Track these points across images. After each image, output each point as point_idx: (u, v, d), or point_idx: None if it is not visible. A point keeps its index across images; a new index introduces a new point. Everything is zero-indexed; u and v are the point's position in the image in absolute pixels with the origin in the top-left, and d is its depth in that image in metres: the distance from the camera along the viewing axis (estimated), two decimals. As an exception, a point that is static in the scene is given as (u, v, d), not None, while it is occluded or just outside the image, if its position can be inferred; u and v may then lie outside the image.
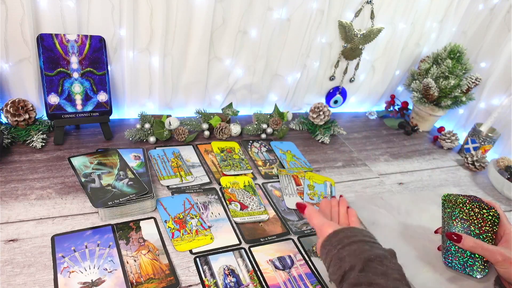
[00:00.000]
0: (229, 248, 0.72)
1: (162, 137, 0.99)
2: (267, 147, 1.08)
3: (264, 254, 0.72)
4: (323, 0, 1.07)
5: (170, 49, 1.00)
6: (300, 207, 0.68)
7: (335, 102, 1.37)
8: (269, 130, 1.13)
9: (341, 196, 0.77)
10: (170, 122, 0.99)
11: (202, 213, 0.79)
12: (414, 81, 1.32)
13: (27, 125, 0.90)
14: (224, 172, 0.92)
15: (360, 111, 1.47)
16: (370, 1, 1.15)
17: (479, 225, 0.68)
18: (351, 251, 0.53)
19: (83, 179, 0.75)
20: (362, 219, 0.86)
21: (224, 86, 1.15)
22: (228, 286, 0.64)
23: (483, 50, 1.31)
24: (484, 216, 0.68)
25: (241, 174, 0.93)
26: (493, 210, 0.68)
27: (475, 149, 1.22)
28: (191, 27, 0.99)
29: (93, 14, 0.88)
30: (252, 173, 0.96)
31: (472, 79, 1.22)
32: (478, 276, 0.68)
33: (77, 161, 0.80)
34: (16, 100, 0.87)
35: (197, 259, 0.68)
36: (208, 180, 0.89)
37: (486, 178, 1.16)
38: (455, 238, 0.67)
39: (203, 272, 0.66)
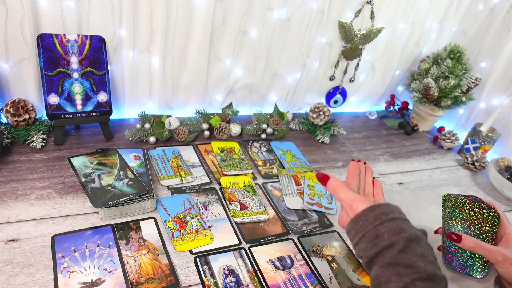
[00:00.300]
0: (229, 248, 0.72)
1: (162, 137, 0.99)
2: (267, 147, 1.08)
3: (264, 254, 0.72)
4: (323, 0, 1.07)
5: (170, 49, 1.00)
6: (322, 178, 0.61)
7: (335, 102, 1.37)
8: (269, 130, 1.13)
9: (365, 162, 0.72)
10: (170, 122, 0.99)
11: (202, 213, 0.79)
12: (414, 81, 1.32)
13: (27, 125, 0.90)
14: (224, 172, 0.92)
15: (360, 111, 1.47)
16: (370, 1, 1.15)
17: (479, 225, 0.68)
18: (390, 228, 0.51)
19: (83, 179, 0.75)
20: (362, 219, 0.86)
21: (224, 86, 1.15)
22: (228, 286, 0.64)
23: (483, 50, 1.31)
24: (484, 216, 0.68)
25: (241, 174, 0.93)
26: (493, 210, 0.68)
27: (475, 149, 1.22)
28: (191, 27, 0.99)
29: (93, 14, 0.88)
30: (252, 173, 0.96)
31: (472, 79, 1.22)
32: (478, 276, 0.68)
33: (77, 161, 0.80)
34: (16, 100, 0.87)
35: (197, 259, 0.68)
36: (208, 180, 0.89)
37: (486, 178, 1.16)
38: (455, 238, 0.67)
39: (203, 272, 0.66)
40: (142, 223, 0.73)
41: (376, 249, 0.50)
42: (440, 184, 1.09)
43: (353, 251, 0.55)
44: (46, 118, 0.90)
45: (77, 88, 0.89)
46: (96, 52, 0.89)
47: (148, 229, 0.72)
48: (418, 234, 0.51)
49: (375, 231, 0.51)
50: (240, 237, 0.75)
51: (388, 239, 0.50)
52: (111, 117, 0.96)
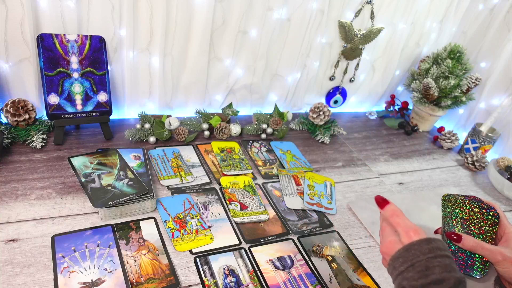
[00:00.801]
0: (229, 248, 0.72)
1: (162, 137, 0.99)
2: (267, 147, 1.08)
3: (264, 254, 0.72)
4: (323, 0, 1.07)
5: (170, 49, 1.00)
6: (380, 202, 0.61)
7: (335, 102, 1.37)
8: (269, 130, 1.13)
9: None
10: (170, 122, 0.99)
11: (202, 213, 0.79)
12: (414, 81, 1.32)
13: (27, 125, 0.90)
14: (224, 172, 0.92)
15: (360, 111, 1.47)
16: (370, 1, 1.15)
17: (479, 225, 0.68)
18: (442, 264, 0.50)
19: (83, 179, 0.75)
20: (362, 219, 0.86)
21: (224, 86, 1.15)
22: (228, 286, 0.64)
23: (483, 50, 1.31)
24: (484, 216, 0.68)
25: (241, 174, 0.93)
26: (493, 210, 0.68)
27: (475, 149, 1.22)
28: (191, 27, 0.99)
29: (93, 14, 0.88)
30: (252, 173, 0.96)
31: (472, 79, 1.22)
32: (478, 276, 0.68)
33: (77, 161, 0.80)
34: (16, 100, 0.87)
35: (197, 259, 0.68)
36: (208, 180, 0.89)
37: (486, 178, 1.16)
38: (455, 238, 0.67)
39: (203, 272, 0.66)
40: (142, 223, 0.73)
41: (424, 281, 0.49)
42: (440, 184, 1.09)
43: (393, 281, 0.53)
44: (46, 118, 0.90)
45: (77, 88, 0.89)
46: (96, 52, 0.89)
47: (148, 229, 0.72)
48: (465, 279, 0.51)
49: (427, 262, 0.50)
50: (240, 237, 0.75)
51: (439, 274, 0.48)
52: (111, 117, 0.96)
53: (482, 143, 1.21)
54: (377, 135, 1.31)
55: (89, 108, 0.92)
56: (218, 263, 0.68)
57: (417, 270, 0.50)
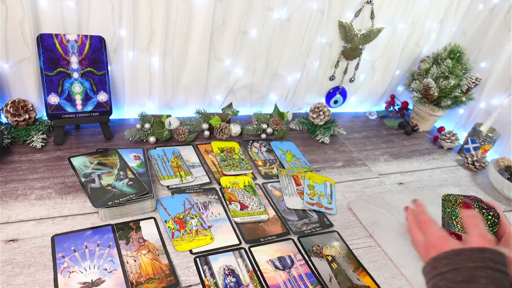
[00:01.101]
0: (229, 248, 0.72)
1: (162, 137, 0.99)
2: (267, 147, 1.08)
3: (264, 254, 0.72)
4: (323, 0, 1.07)
5: (170, 49, 1.00)
6: (465, 205, 0.62)
7: (335, 102, 1.37)
8: (269, 130, 1.13)
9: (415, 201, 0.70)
10: (170, 122, 0.99)
11: (202, 213, 0.79)
12: (414, 81, 1.32)
13: (27, 125, 0.90)
14: (224, 172, 0.92)
15: (360, 111, 1.47)
16: (370, 1, 1.15)
17: (479, 225, 0.68)
18: (490, 277, 0.47)
19: (83, 179, 0.75)
20: (362, 219, 0.86)
21: (224, 86, 1.15)
22: (228, 286, 0.64)
23: (483, 50, 1.31)
24: (484, 216, 0.68)
25: (241, 174, 0.93)
26: (493, 210, 0.68)
27: (475, 149, 1.22)
28: (191, 27, 0.99)
29: (93, 14, 0.88)
30: (252, 173, 0.96)
31: (472, 79, 1.22)
32: (478, 276, 0.68)
33: (77, 161, 0.80)
34: (16, 100, 0.87)
35: (197, 259, 0.68)
36: (208, 180, 0.89)
37: (486, 178, 1.16)
38: (455, 238, 0.67)
39: (203, 272, 0.66)
40: (142, 223, 0.73)
41: (464, 286, 0.47)
42: (440, 184, 1.09)
43: (428, 280, 0.52)
44: (46, 118, 0.90)
45: (77, 88, 0.89)
46: (96, 52, 0.89)
47: (148, 229, 0.72)
48: None
49: (474, 271, 0.48)
50: (240, 237, 0.75)
51: (483, 285, 0.46)
52: (111, 117, 0.96)
53: (482, 143, 1.21)
54: (377, 135, 1.31)
55: (89, 108, 0.92)
56: (218, 263, 0.68)
57: (462, 275, 0.48)
